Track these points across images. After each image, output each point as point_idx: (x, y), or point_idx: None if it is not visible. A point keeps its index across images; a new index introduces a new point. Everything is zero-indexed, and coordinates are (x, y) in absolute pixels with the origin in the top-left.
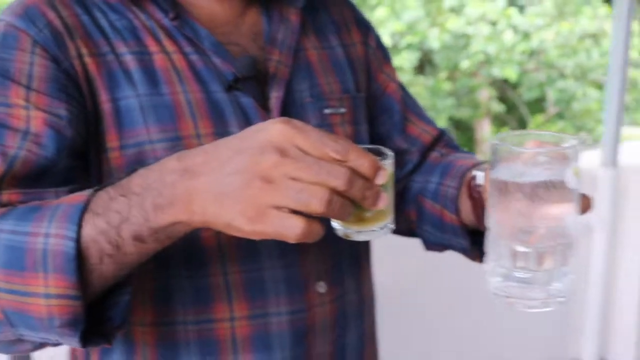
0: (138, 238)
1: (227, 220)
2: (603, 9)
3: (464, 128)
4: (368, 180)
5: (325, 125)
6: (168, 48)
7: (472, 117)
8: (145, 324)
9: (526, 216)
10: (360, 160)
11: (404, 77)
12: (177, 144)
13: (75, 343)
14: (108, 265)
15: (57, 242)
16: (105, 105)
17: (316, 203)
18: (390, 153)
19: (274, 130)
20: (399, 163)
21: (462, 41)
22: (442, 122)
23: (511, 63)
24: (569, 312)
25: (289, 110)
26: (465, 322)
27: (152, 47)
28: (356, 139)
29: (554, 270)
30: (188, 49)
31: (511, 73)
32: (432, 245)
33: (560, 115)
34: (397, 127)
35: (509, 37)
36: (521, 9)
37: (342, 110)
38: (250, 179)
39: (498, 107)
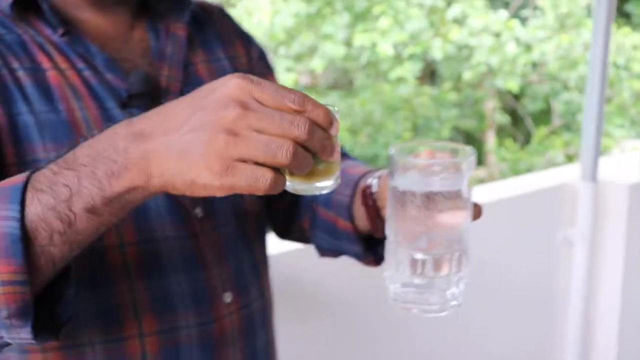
0: (91, 210)
1: (192, 177)
2: None
3: (471, 139)
4: (324, 131)
5: None
6: (60, 65)
7: (476, 129)
8: (52, 349)
9: (423, 224)
10: (317, 110)
11: (407, 88)
12: None
13: (26, 335)
14: (58, 246)
15: None
16: (2, 119)
17: (283, 154)
18: (335, 108)
19: (231, 85)
20: None
21: (465, 52)
22: (446, 133)
23: (513, 75)
24: (550, 327)
25: None
26: (442, 330)
27: (45, 63)
28: None
29: (450, 276)
30: (81, 65)
31: (513, 85)
32: (326, 251)
33: (566, 127)
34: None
35: (511, 48)
36: (523, 21)
37: None
38: (214, 133)
39: (502, 119)
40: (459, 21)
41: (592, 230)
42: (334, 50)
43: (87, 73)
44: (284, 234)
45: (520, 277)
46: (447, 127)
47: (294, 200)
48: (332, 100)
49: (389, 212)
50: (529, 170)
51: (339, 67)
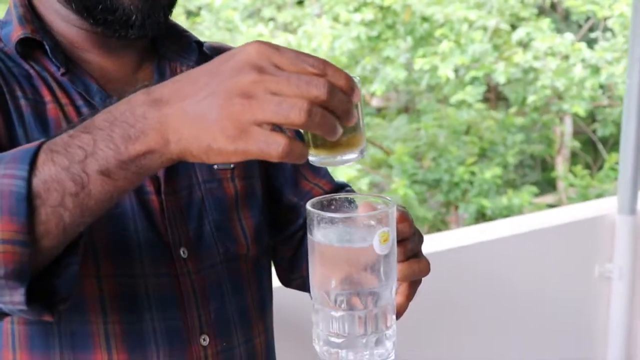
0: (105, 173)
1: (207, 142)
2: None
3: (540, 164)
4: (345, 94)
5: (215, 180)
6: (61, 100)
7: (544, 153)
8: None
9: (337, 281)
10: (338, 74)
11: (470, 112)
12: None
13: (18, 298)
14: (70, 209)
15: (5, 182)
16: (2, 132)
17: (296, 113)
18: (358, 78)
19: (250, 50)
20: (292, 217)
21: (531, 75)
22: (511, 159)
23: (580, 98)
24: None
25: (177, 165)
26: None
27: (46, 96)
28: (248, 194)
29: (370, 335)
30: (80, 102)
31: (580, 108)
32: None
33: None
34: (288, 182)
35: (578, 71)
36: (590, 43)
37: (231, 165)
38: (230, 97)
39: (572, 143)
40: (524, 44)
41: (632, 265)
42: (394, 74)
43: (85, 110)
44: (286, 282)
45: (557, 312)
46: (513, 152)
47: (298, 246)
48: (400, 124)
49: (309, 268)
50: (599, 197)
51: (402, 91)
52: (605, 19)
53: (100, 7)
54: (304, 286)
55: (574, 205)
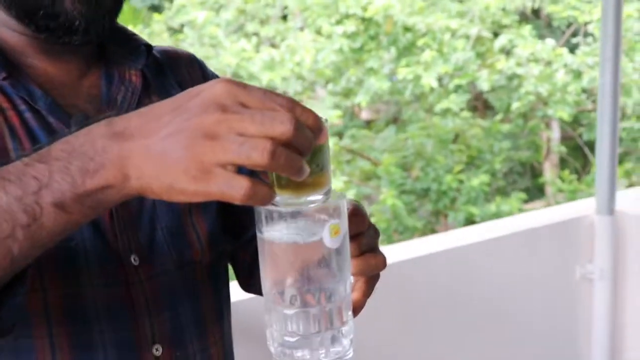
0: (60, 206)
1: (169, 181)
2: None
3: (528, 171)
4: (312, 132)
5: None
6: (2, 104)
7: (531, 159)
8: None
9: (288, 277)
10: (306, 113)
11: (455, 120)
12: None
13: None
14: (19, 241)
15: None
16: None
17: (258, 154)
18: (325, 118)
19: (216, 88)
20: (250, 220)
21: (515, 82)
22: (498, 165)
23: (564, 103)
24: None
25: None
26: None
27: None
28: (212, 202)
29: (325, 332)
30: (23, 107)
31: (564, 113)
32: None
33: (626, 155)
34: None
35: (560, 76)
36: (572, 48)
37: None
38: (194, 137)
39: (559, 149)
40: (507, 51)
41: (612, 266)
42: (378, 84)
43: (29, 115)
44: (247, 287)
45: (539, 314)
46: (500, 159)
47: (257, 251)
48: (388, 135)
49: (260, 266)
50: None
51: (388, 101)
52: (586, 23)
53: (41, 13)
54: None
55: (553, 207)
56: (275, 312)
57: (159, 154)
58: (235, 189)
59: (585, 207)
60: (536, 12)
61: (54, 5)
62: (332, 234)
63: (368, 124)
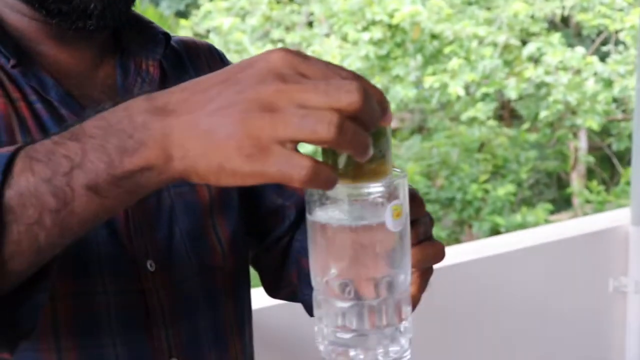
0: (94, 189)
1: (219, 161)
2: None
3: (556, 181)
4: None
5: (186, 184)
6: (12, 94)
7: (558, 169)
8: None
9: (343, 265)
10: (373, 88)
11: (481, 129)
12: None
13: None
14: (47, 228)
15: None
16: None
17: (324, 128)
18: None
19: (273, 57)
20: (275, 221)
21: (544, 91)
22: (525, 175)
23: (594, 112)
24: None
25: None
26: None
27: None
28: (224, 200)
29: (383, 329)
30: (33, 97)
31: (594, 123)
32: None
33: None
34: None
35: (590, 85)
36: (603, 57)
37: None
38: (248, 110)
39: (586, 159)
40: (535, 59)
41: None
42: (404, 92)
43: (39, 106)
44: (274, 292)
45: (570, 328)
46: (526, 169)
47: (285, 252)
48: (413, 143)
49: (310, 254)
50: None
51: (413, 110)
52: (617, 32)
53: None
54: (294, 295)
55: (586, 218)
56: (327, 305)
57: (206, 131)
58: (297, 169)
59: (619, 217)
60: (565, 21)
61: None
62: (395, 215)
63: (393, 133)
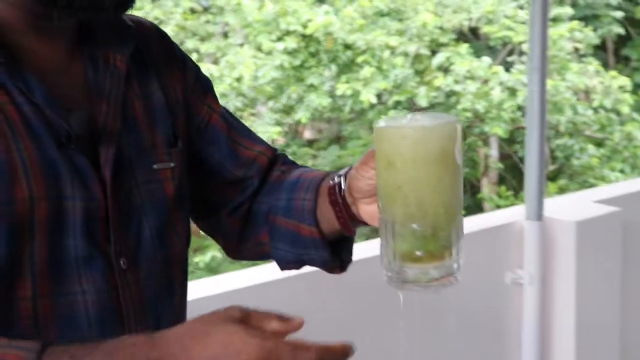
0: None
1: None
2: (594, 65)
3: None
4: None
5: (155, 180)
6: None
7: (469, 176)
8: None
9: (417, 194)
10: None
11: None
12: (6, 208)
13: None
14: None
15: None
16: None
17: None
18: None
19: (253, 356)
20: (235, 190)
21: (453, 99)
22: None
23: (500, 120)
24: None
25: (118, 167)
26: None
27: None
28: (182, 194)
29: (449, 247)
30: (20, 99)
31: (500, 130)
32: (288, 263)
33: (560, 172)
34: (228, 156)
35: (496, 93)
36: (508, 67)
37: (172, 164)
38: None
39: (496, 165)
40: (445, 68)
41: (541, 271)
42: (318, 101)
43: (27, 109)
44: (235, 252)
45: (470, 320)
46: None
47: (247, 216)
48: (329, 152)
49: (378, 185)
50: None
51: (330, 120)
52: (520, 43)
53: None
54: (264, 254)
55: (484, 215)
56: (401, 227)
57: None
58: None
59: (515, 213)
60: (475, 32)
61: None
62: (459, 151)
63: (310, 144)
